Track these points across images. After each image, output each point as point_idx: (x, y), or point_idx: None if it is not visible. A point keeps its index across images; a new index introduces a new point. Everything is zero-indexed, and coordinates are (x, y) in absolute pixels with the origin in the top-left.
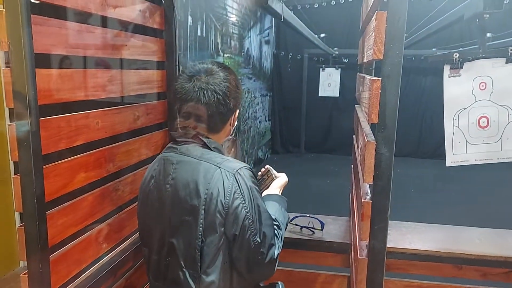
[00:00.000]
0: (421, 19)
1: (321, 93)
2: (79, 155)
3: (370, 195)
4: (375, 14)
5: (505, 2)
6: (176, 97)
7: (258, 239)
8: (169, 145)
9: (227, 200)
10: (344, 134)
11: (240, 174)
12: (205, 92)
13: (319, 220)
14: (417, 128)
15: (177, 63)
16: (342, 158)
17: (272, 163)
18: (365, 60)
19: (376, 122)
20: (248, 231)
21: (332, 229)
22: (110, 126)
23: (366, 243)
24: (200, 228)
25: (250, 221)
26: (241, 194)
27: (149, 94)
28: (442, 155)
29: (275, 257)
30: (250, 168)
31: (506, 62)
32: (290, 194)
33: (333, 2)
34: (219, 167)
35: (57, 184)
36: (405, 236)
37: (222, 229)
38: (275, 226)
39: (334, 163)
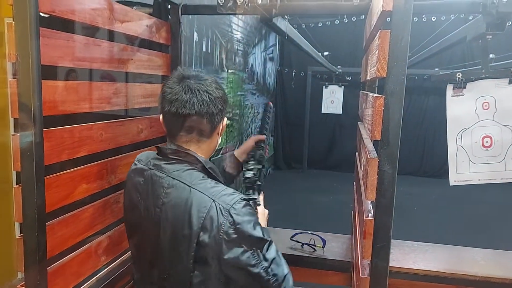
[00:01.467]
0: (424, 39)
1: (324, 110)
2: (81, 167)
3: (372, 213)
4: (378, 33)
5: (508, 24)
6: (164, 98)
7: (265, 264)
8: (154, 160)
9: (220, 236)
10: (346, 151)
11: (234, 209)
12: (196, 91)
13: (320, 238)
14: (420, 147)
15: None
16: (345, 175)
17: (275, 179)
18: (368, 78)
19: (379, 139)
20: (252, 262)
21: (334, 246)
22: (113, 138)
23: (368, 262)
24: (191, 260)
25: (251, 253)
26: (236, 230)
27: (153, 108)
28: (444, 174)
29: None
30: (243, 198)
31: (510, 83)
32: (292, 210)
33: (336, 22)
34: (213, 200)
35: (58, 195)
36: (408, 255)
37: (215, 263)
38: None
39: (336, 180)
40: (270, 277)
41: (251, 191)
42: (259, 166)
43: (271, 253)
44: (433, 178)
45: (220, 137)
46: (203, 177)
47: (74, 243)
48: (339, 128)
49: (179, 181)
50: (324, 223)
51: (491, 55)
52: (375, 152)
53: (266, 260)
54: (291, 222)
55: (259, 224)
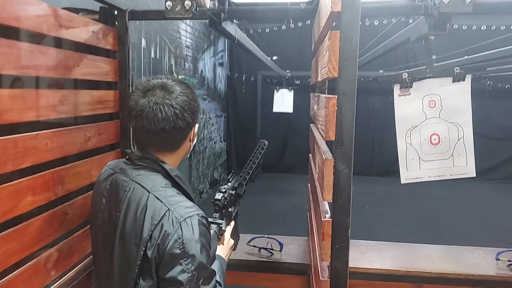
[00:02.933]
0: (367, 42)
1: (275, 109)
2: (26, 178)
3: (330, 214)
4: (328, 33)
5: (448, 25)
6: (130, 115)
7: None
8: (123, 164)
9: (164, 247)
10: (298, 153)
11: (187, 223)
12: (161, 107)
13: (277, 241)
14: (369, 147)
15: (130, 84)
16: (298, 177)
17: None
18: (319, 79)
19: (333, 139)
20: (187, 286)
21: (291, 249)
22: (60, 147)
23: (328, 264)
24: (136, 270)
25: (188, 275)
26: (182, 245)
27: (101, 115)
28: (394, 173)
29: None
30: (202, 215)
31: (453, 81)
32: (248, 214)
33: (283, 27)
34: (168, 209)
35: (1, 208)
36: (365, 255)
37: (154, 276)
38: (216, 284)
39: (290, 182)
40: None
41: (218, 215)
42: (232, 192)
43: (207, 287)
44: (383, 177)
45: (193, 143)
46: (165, 184)
47: (19, 259)
48: (291, 131)
49: (140, 185)
50: (281, 226)
51: (433, 56)
52: (329, 152)
53: (200, 278)
54: (247, 227)
55: (208, 250)
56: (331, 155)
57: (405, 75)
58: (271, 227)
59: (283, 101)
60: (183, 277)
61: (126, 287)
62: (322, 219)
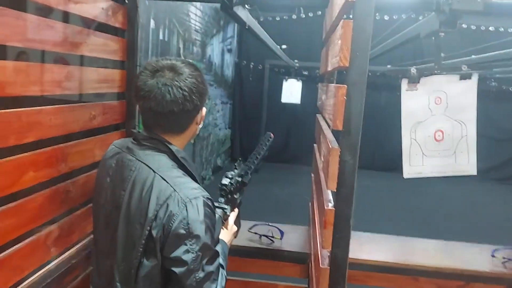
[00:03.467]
0: (377, 37)
1: (283, 100)
2: (28, 153)
3: (333, 203)
4: (341, 22)
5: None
6: (138, 95)
7: (200, 275)
8: (129, 143)
9: (170, 227)
10: (302, 144)
11: (192, 204)
12: (170, 88)
13: (278, 229)
14: (373, 142)
15: (138, 64)
16: (301, 168)
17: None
18: (329, 69)
19: (341, 129)
20: (191, 266)
21: (292, 238)
22: (64, 124)
23: (328, 252)
24: (140, 249)
25: (193, 256)
26: (187, 225)
27: (107, 94)
28: (396, 169)
29: None
30: (207, 197)
31: (460, 79)
32: (249, 202)
33: (294, 16)
34: (174, 190)
35: (2, 183)
36: (363, 246)
37: (159, 256)
38: (219, 265)
39: (292, 172)
40: (200, 281)
41: (223, 199)
42: (238, 179)
43: (210, 267)
44: (386, 172)
45: (200, 126)
46: (172, 165)
47: (19, 235)
48: (296, 122)
49: (146, 165)
50: (282, 215)
51: (442, 54)
52: (336, 142)
53: (203, 270)
54: (249, 214)
55: (212, 231)
56: (337, 145)
57: (413, 70)
58: (273, 216)
59: (291, 92)
60: (187, 257)
61: (130, 265)
62: (325, 208)
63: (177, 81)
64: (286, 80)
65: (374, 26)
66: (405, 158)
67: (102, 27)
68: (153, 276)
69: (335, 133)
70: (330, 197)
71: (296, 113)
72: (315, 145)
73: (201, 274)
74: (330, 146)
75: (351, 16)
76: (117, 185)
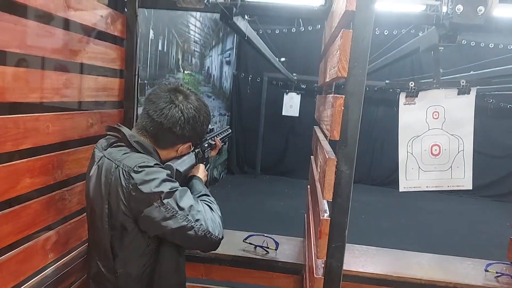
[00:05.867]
0: (376, 51)
1: (284, 113)
2: (25, 159)
3: (328, 213)
4: (340, 32)
5: (458, 37)
6: (147, 98)
7: (194, 224)
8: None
9: (126, 198)
10: (299, 157)
11: (135, 171)
12: (173, 106)
13: (273, 240)
14: (369, 156)
15: (137, 73)
16: (297, 181)
17: (227, 182)
18: (327, 80)
19: (338, 139)
20: (174, 221)
21: (287, 249)
22: (61, 131)
23: (323, 262)
24: (107, 227)
25: (162, 208)
26: (137, 191)
27: (105, 102)
28: (392, 183)
29: (218, 236)
30: (155, 164)
31: (458, 94)
32: (245, 213)
33: (293, 30)
34: (118, 165)
35: None
36: (358, 259)
37: (131, 226)
38: (207, 203)
39: (289, 185)
40: (193, 223)
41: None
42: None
43: (185, 201)
44: (381, 187)
45: (178, 160)
46: (125, 152)
47: (14, 240)
48: (293, 135)
49: (105, 156)
50: (277, 227)
51: (440, 69)
52: (333, 152)
53: (181, 209)
54: (244, 225)
55: (169, 180)
56: (334, 155)
57: (411, 83)
58: (268, 227)
59: (291, 105)
60: (158, 211)
61: (101, 241)
62: (321, 218)
63: (182, 105)
64: (287, 93)
65: (374, 40)
66: (401, 172)
67: (101, 36)
68: (130, 243)
69: (332, 144)
70: (326, 207)
71: (294, 126)
72: (312, 157)
73: (182, 213)
74: (327, 156)
75: (350, 29)
76: (88, 177)
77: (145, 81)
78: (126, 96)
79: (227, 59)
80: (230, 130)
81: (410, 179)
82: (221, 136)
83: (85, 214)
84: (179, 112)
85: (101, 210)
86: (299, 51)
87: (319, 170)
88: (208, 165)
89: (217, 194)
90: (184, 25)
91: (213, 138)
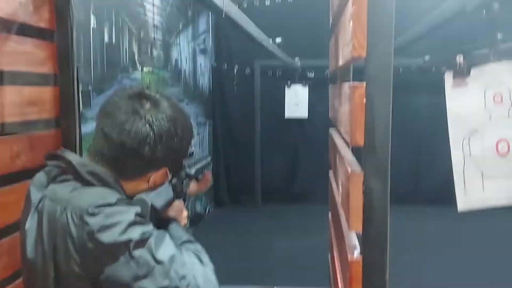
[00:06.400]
0: (407, 17)
1: (287, 114)
2: None
3: (359, 250)
4: None
5: None
6: (99, 111)
7: (178, 284)
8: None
9: (80, 254)
10: (314, 175)
11: (90, 213)
12: (138, 118)
13: None
14: (413, 165)
15: (75, 78)
16: (313, 209)
17: (217, 219)
18: (340, 64)
19: (362, 145)
20: (151, 281)
21: None
22: None
23: None
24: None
25: (135, 269)
26: (95, 242)
27: (35, 121)
28: (447, 200)
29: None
30: (119, 199)
31: None
32: (245, 261)
33: None
34: (65, 207)
35: None
36: None
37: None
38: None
39: (302, 215)
40: (177, 282)
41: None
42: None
43: (164, 251)
44: (432, 206)
45: (150, 186)
46: (75, 188)
47: None
48: (303, 144)
49: (46, 196)
50: (289, 275)
51: (498, 34)
52: (357, 164)
53: (160, 262)
54: (245, 277)
55: (140, 223)
56: (360, 168)
57: (460, 57)
58: (277, 278)
59: (296, 102)
60: (127, 269)
61: None
62: (349, 258)
63: (150, 116)
64: (289, 86)
65: (401, 2)
66: (458, 184)
67: (22, 30)
68: None
69: (356, 151)
70: (356, 241)
71: (303, 130)
72: (330, 171)
73: (161, 268)
74: (349, 170)
75: None
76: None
77: (89, 87)
78: (63, 110)
79: (202, 46)
80: (209, 158)
81: (471, 193)
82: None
83: (19, 282)
84: (147, 125)
85: (45, 276)
86: (301, 26)
87: (340, 190)
88: (186, 202)
89: (203, 237)
90: (137, 5)
91: (202, 171)
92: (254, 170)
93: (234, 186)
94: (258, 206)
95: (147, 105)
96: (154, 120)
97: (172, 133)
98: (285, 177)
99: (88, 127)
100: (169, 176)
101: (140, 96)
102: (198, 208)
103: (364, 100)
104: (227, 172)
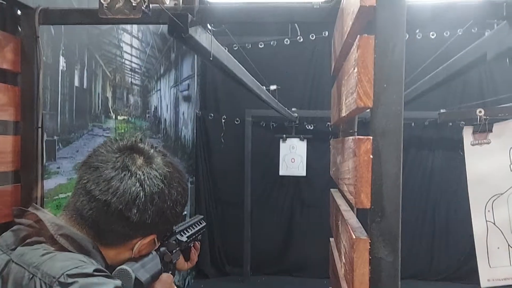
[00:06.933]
0: (419, 65)
1: (282, 171)
2: None
3: None
4: (356, 40)
5: None
6: (84, 165)
7: None
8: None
9: None
10: (312, 243)
11: (61, 283)
12: (127, 175)
13: None
14: (427, 234)
15: (40, 126)
16: (312, 282)
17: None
18: (343, 114)
19: (369, 207)
20: None
21: None
22: None
23: None
24: None
25: None
26: None
27: None
28: (469, 275)
29: None
30: (97, 269)
31: None
32: None
33: (287, 41)
34: (34, 274)
35: None
36: None
37: None
38: None
39: None
40: None
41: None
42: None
43: None
44: (451, 283)
45: (134, 254)
46: (46, 252)
47: None
48: (300, 206)
49: (12, 260)
50: None
51: None
52: (362, 229)
53: None
54: None
55: None
56: (366, 234)
57: (480, 111)
58: None
59: (293, 158)
60: None
61: None
62: None
63: (143, 173)
64: (284, 140)
65: (413, 48)
66: (480, 256)
67: None
68: None
69: (362, 215)
70: None
71: (301, 190)
72: (331, 239)
73: None
74: (354, 236)
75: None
76: None
77: (55, 137)
78: (24, 162)
79: (185, 93)
80: (205, 223)
81: (496, 266)
82: (192, 232)
83: None
84: (137, 184)
85: None
86: (299, 73)
87: (343, 260)
88: (175, 277)
89: None
90: (113, 45)
91: (190, 239)
92: (243, 236)
93: (219, 254)
94: (248, 278)
95: (139, 161)
96: (146, 178)
97: (166, 194)
98: (279, 244)
99: (52, 183)
100: (157, 245)
101: (132, 149)
102: (176, 280)
103: (371, 156)
104: (211, 239)
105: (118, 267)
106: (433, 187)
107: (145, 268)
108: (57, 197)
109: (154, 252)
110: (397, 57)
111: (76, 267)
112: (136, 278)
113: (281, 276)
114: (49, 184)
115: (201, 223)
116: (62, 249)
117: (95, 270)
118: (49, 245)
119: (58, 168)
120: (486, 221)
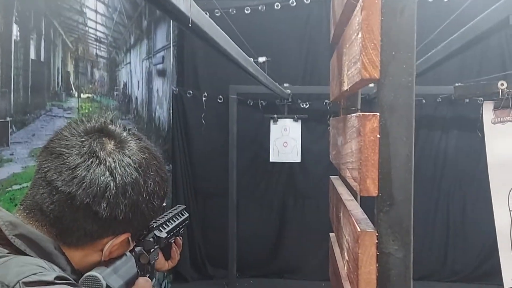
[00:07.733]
0: (432, 31)
1: (273, 157)
2: None
3: None
4: (360, 0)
5: None
6: (44, 151)
7: None
8: None
9: None
10: (309, 240)
11: None
12: (95, 163)
13: None
14: (441, 228)
15: None
16: (310, 285)
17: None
18: (344, 89)
19: (375, 195)
20: None
21: None
22: None
23: None
24: None
25: None
26: None
27: None
28: (490, 275)
29: None
30: (59, 276)
31: None
32: None
33: (277, 5)
34: None
35: None
36: None
37: None
38: None
39: None
40: None
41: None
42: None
43: None
44: (468, 284)
45: (104, 257)
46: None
47: None
48: (294, 194)
49: None
50: None
51: None
52: (368, 221)
53: None
54: None
55: None
56: (372, 226)
57: (502, 84)
58: None
59: (285, 142)
60: None
61: None
62: None
63: (114, 161)
64: (276, 120)
65: (424, 12)
66: (503, 251)
67: None
68: None
69: (367, 203)
70: None
71: (294, 179)
72: (331, 234)
73: None
74: (358, 229)
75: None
76: None
77: (7, 119)
78: None
79: (159, 66)
80: (187, 214)
81: None
82: (172, 226)
83: None
84: (107, 173)
85: None
86: (292, 42)
87: (346, 257)
88: (154, 280)
89: None
90: (75, 11)
91: (171, 234)
92: (228, 233)
93: (200, 254)
94: (233, 281)
95: (110, 146)
96: (118, 166)
97: (141, 185)
98: (269, 242)
99: (4, 172)
100: (132, 245)
101: (101, 132)
102: (152, 284)
103: (378, 135)
104: (190, 235)
105: (86, 274)
106: (447, 173)
107: (118, 273)
108: (10, 188)
109: (128, 254)
110: (408, 19)
111: (35, 274)
112: (107, 286)
113: (271, 279)
114: (1, 173)
115: (182, 215)
116: (18, 252)
117: (57, 278)
118: (2, 248)
119: (12, 154)
120: (510, 211)
